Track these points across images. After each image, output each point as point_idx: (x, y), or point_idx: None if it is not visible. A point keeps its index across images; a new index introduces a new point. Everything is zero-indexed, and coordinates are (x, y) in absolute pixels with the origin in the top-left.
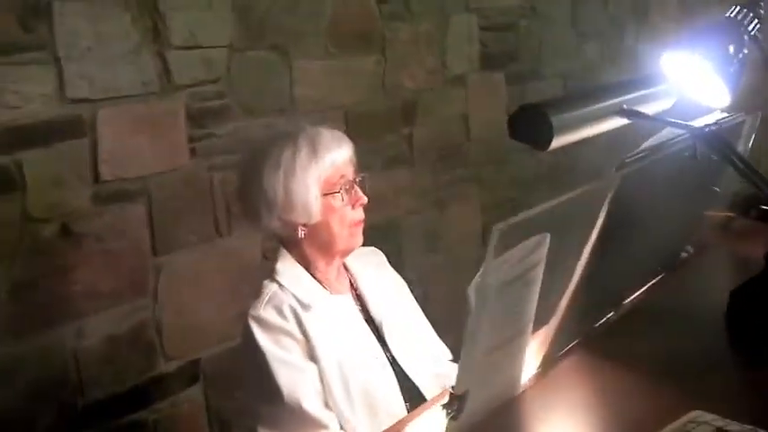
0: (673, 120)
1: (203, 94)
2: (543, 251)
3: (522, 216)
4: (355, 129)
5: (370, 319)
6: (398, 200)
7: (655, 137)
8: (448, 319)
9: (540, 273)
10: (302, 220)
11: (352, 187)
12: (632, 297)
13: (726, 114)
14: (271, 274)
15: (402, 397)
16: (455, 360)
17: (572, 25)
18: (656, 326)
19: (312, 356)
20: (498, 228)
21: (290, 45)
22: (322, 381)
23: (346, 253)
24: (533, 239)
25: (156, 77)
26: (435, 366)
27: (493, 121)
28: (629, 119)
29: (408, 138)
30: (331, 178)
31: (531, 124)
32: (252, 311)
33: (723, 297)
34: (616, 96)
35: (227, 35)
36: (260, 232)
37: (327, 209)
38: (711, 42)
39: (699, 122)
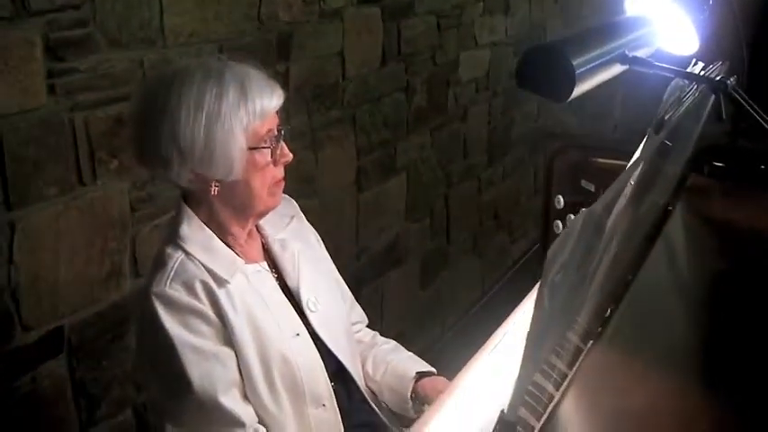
0: (692, 72)
1: (63, 22)
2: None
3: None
4: None
5: (286, 288)
6: None
7: (668, 91)
8: None
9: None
10: (219, 176)
11: (278, 142)
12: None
13: (705, 63)
14: (173, 240)
15: (327, 376)
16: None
17: None
18: (658, 312)
19: (228, 341)
20: (587, 213)
21: None
22: (240, 368)
23: (263, 215)
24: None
25: (7, 1)
26: (355, 335)
27: (368, 59)
28: (638, 68)
29: (284, 75)
30: (259, 130)
31: (547, 71)
32: (155, 287)
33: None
34: (611, 41)
35: None
36: (162, 180)
37: (251, 165)
38: None
39: (703, 72)
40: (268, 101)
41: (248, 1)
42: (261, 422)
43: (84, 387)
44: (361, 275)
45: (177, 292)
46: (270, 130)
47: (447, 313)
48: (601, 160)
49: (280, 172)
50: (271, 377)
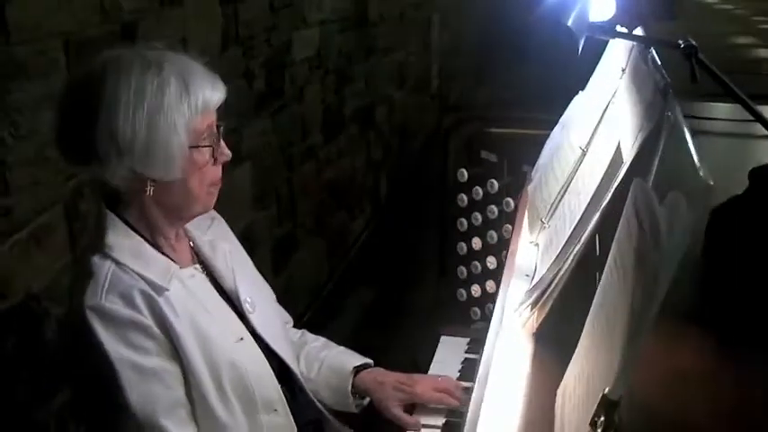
0: (662, 39)
1: None
2: None
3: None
4: (77, 61)
5: (221, 290)
6: None
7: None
8: None
9: None
10: (157, 175)
11: (219, 139)
12: None
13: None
14: (98, 249)
15: (275, 379)
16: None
17: None
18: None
19: (173, 354)
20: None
21: None
22: (189, 382)
23: (196, 216)
24: None
25: None
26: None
27: (209, 45)
28: (602, 36)
29: None
30: (199, 126)
31: None
32: (89, 301)
33: None
34: None
35: None
36: (91, 177)
37: (190, 165)
38: None
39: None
40: (210, 94)
41: None
42: None
43: None
44: None
45: (115, 305)
46: (209, 126)
47: (299, 299)
48: (496, 130)
49: (219, 171)
50: (221, 385)
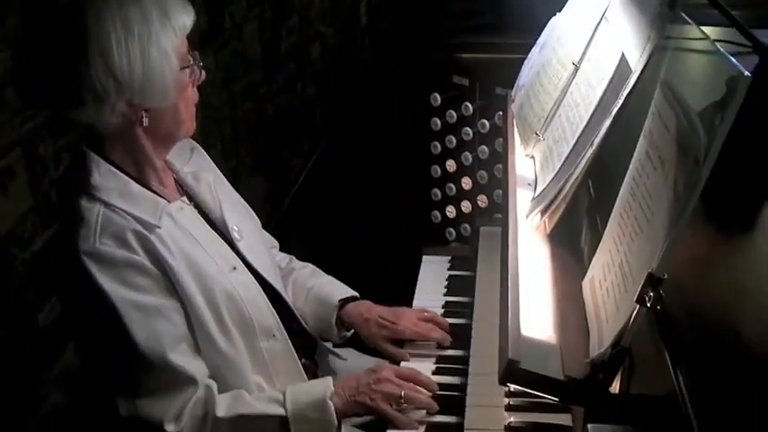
0: None
1: None
2: None
3: None
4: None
5: (209, 222)
6: None
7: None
8: None
9: None
10: (154, 104)
11: (196, 60)
12: None
13: None
14: (85, 191)
15: (270, 305)
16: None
17: None
18: None
19: (171, 290)
20: None
21: None
22: (188, 315)
23: (180, 140)
24: None
25: None
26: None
27: None
28: None
29: None
30: (182, 49)
31: None
32: (83, 246)
33: None
34: None
35: None
36: (81, 121)
37: (180, 87)
38: None
39: None
40: (187, 17)
41: None
42: (216, 366)
43: None
44: None
45: (109, 248)
46: (187, 49)
47: None
48: (466, 55)
49: (196, 92)
50: (220, 316)
